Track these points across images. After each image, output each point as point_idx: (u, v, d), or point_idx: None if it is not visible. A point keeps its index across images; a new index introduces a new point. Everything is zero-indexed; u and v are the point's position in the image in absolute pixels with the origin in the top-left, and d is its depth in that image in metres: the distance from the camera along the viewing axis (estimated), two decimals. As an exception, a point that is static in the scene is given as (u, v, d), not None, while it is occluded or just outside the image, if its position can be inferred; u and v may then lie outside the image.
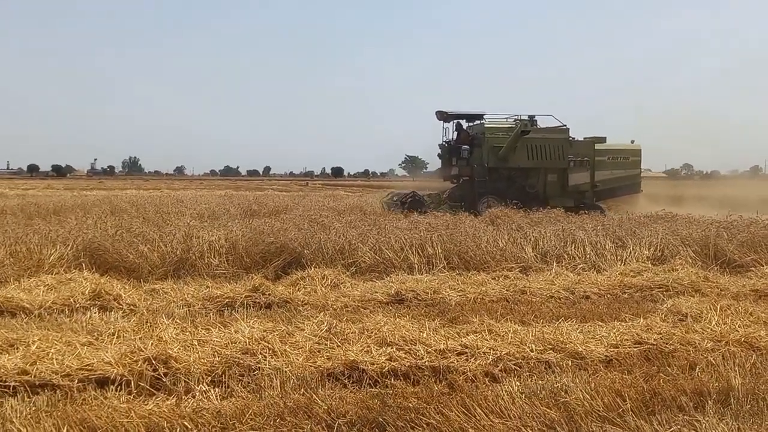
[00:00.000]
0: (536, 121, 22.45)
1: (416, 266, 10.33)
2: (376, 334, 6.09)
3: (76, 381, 4.98)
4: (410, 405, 4.57)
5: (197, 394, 4.86)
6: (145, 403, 4.65)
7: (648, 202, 23.50)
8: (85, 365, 5.19)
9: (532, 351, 5.83)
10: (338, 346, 5.88)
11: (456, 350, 5.77)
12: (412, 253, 10.71)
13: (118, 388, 4.92)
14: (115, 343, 5.79)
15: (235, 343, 5.81)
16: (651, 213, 17.16)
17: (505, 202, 20.38)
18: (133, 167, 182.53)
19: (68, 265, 9.75)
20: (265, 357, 5.55)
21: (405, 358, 5.58)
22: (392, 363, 5.47)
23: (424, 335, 6.09)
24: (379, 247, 10.83)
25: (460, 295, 8.63)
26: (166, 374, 5.14)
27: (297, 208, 20.58)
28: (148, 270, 9.82)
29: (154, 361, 5.24)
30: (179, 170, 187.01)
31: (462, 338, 6.09)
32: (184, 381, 5.05)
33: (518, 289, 9.01)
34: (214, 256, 10.30)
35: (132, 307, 7.77)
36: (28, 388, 4.87)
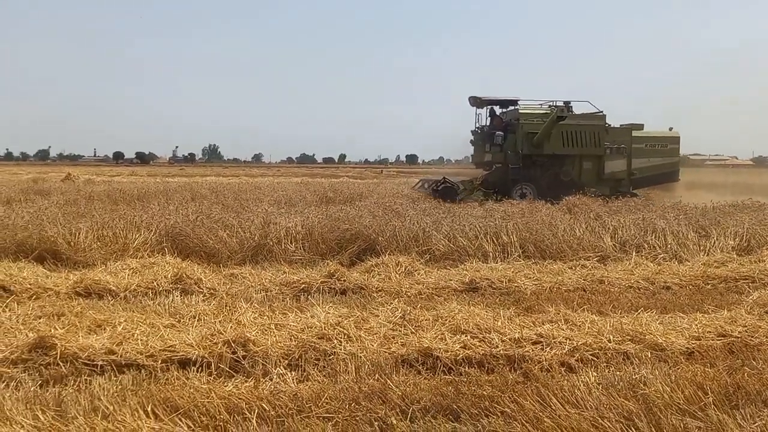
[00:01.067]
0: (572, 107, 21.97)
1: (491, 254, 10.26)
2: (450, 321, 6.10)
3: (160, 361, 5.16)
4: (484, 393, 4.56)
5: (274, 377, 4.96)
6: (225, 384, 4.78)
7: (686, 190, 22.87)
8: (168, 346, 5.37)
9: (609, 341, 5.73)
10: (412, 332, 5.91)
11: (531, 339, 5.72)
12: (487, 241, 10.65)
13: (199, 370, 5.08)
14: (196, 326, 5.97)
15: (311, 327, 5.90)
16: (737, 202, 16.54)
17: (539, 189, 20.17)
18: (212, 154, 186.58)
19: (151, 249, 10.10)
20: (341, 342, 5.62)
21: (479, 346, 5.56)
22: (466, 351, 5.47)
23: (499, 324, 6.06)
24: (453, 234, 10.80)
25: (535, 284, 8.53)
26: (244, 357, 5.27)
27: (371, 195, 20.71)
28: (227, 255, 10.06)
29: (233, 344, 5.39)
30: (257, 158, 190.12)
31: (537, 327, 6.03)
32: (262, 364, 5.16)
33: (596, 279, 8.85)
34: (290, 242, 10.47)
35: (212, 291, 7.98)
36: (114, 368, 5.07)
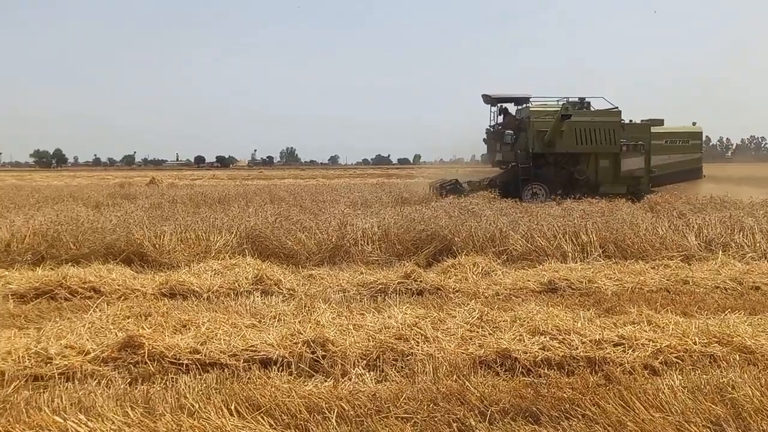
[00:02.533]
0: (589, 103, 21.22)
1: (570, 254, 10.10)
2: (528, 322, 6.03)
3: (242, 361, 5.29)
4: (564, 395, 4.50)
5: (353, 377, 5.01)
6: (305, 383, 4.86)
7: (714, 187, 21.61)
8: (250, 346, 5.49)
9: (695, 344, 5.55)
10: (490, 333, 5.87)
11: (612, 341, 5.59)
12: (566, 241, 10.48)
13: (280, 369, 5.17)
14: (276, 326, 6.09)
15: (389, 328, 5.94)
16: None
17: (551, 189, 19.51)
18: (290, 157, 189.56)
19: (232, 251, 10.35)
20: (418, 343, 5.63)
21: (558, 347, 5.48)
22: (545, 352, 5.39)
23: (579, 325, 5.96)
24: (531, 234, 10.67)
25: (616, 285, 8.35)
26: (323, 357, 5.34)
27: (447, 195, 20.62)
28: (305, 256, 10.22)
29: (312, 344, 5.47)
30: (333, 159, 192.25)
31: (619, 329, 5.90)
32: (341, 364, 5.22)
33: (680, 279, 8.59)
34: (367, 243, 10.54)
35: (291, 291, 8.12)
36: (199, 366, 5.22)
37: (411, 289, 8.21)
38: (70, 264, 9.26)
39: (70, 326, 6.09)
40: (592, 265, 9.48)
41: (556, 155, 20.72)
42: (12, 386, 4.78)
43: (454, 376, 4.94)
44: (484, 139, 22.84)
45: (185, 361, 5.27)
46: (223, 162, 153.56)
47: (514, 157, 21.16)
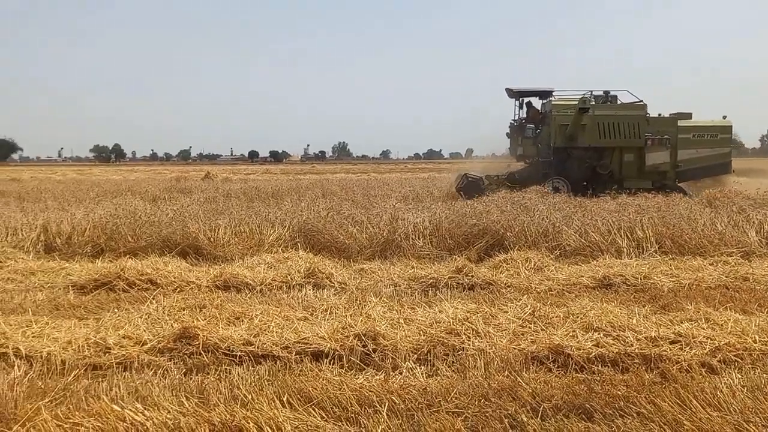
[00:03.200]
0: (616, 96, 20.74)
1: (624, 250, 9.92)
2: (581, 318, 5.95)
3: (294, 353, 5.34)
4: (619, 393, 4.42)
5: (404, 370, 5.02)
6: (356, 377, 4.88)
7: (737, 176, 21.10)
8: (302, 339, 5.54)
9: (755, 342, 5.40)
10: (542, 329, 5.82)
11: (669, 338, 5.48)
12: (620, 236, 10.30)
13: (331, 362, 5.21)
14: (327, 319, 6.14)
15: (440, 322, 5.93)
16: None
17: (573, 184, 19.15)
18: (342, 152, 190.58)
19: (285, 244, 10.46)
20: (469, 337, 5.61)
21: (613, 344, 5.39)
22: (599, 349, 5.31)
23: (634, 321, 5.86)
24: (585, 229, 10.52)
25: (673, 281, 8.17)
26: (374, 350, 5.36)
27: (498, 189, 20.46)
28: (356, 250, 10.26)
29: (363, 338, 5.49)
30: (385, 154, 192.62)
31: (675, 326, 5.78)
32: (392, 357, 5.23)
33: (739, 276, 8.36)
34: (418, 238, 10.53)
35: (342, 285, 8.16)
36: (252, 358, 5.29)
37: (462, 283, 8.17)
38: (127, 256, 9.48)
39: (127, 317, 6.24)
40: (647, 260, 9.29)
41: (578, 149, 20.37)
42: (72, 375, 4.91)
43: (506, 372, 4.91)
44: (507, 134, 22.57)
45: (238, 353, 5.34)
46: (276, 157, 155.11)
47: (536, 151, 21.03)
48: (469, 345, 5.46)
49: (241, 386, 4.58)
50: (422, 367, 5.11)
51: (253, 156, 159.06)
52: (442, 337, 5.59)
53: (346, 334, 5.57)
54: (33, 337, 5.67)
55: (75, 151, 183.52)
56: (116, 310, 6.66)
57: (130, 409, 4.11)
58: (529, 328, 5.89)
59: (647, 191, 17.87)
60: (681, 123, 20.58)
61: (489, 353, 5.27)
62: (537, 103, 22.04)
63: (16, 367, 5.02)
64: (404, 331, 5.76)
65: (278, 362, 5.20)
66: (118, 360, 5.24)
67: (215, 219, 11.25)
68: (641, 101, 20.59)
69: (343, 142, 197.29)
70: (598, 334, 5.58)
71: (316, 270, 8.44)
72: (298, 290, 7.80)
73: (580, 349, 5.29)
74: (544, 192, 17.47)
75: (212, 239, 10.31)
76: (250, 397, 4.36)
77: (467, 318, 6.02)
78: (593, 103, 20.46)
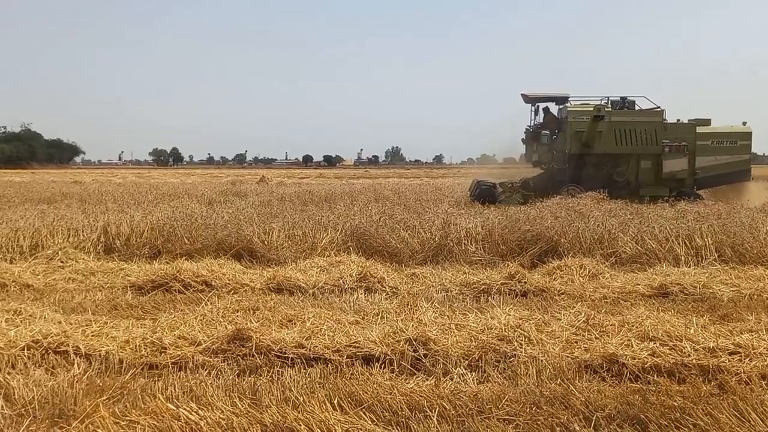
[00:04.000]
0: (633, 102, 20.34)
1: (682, 258, 9.70)
2: (637, 327, 5.85)
3: (345, 356, 5.37)
4: (675, 404, 4.33)
5: (455, 376, 5.00)
6: (407, 381, 4.88)
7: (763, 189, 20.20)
8: (353, 342, 5.57)
9: (819, 355, 5.22)
10: (596, 338, 5.73)
11: (728, 349, 5.34)
12: (678, 244, 10.08)
13: (382, 366, 5.22)
14: (378, 323, 6.15)
15: (491, 329, 5.89)
16: None
17: (588, 191, 18.68)
18: (395, 157, 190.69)
19: (337, 248, 10.53)
20: (521, 344, 5.56)
21: (669, 354, 5.28)
22: (655, 359, 5.21)
23: (691, 331, 5.72)
24: (641, 236, 10.34)
25: (733, 291, 7.96)
26: (425, 355, 5.35)
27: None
28: (408, 255, 10.26)
29: (414, 342, 5.49)
30: (438, 159, 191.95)
31: (735, 337, 5.63)
32: (443, 363, 5.22)
33: (803, 286, 8.09)
34: (470, 243, 10.49)
35: (394, 289, 8.17)
36: (303, 361, 5.33)
37: (515, 290, 8.10)
38: (184, 258, 9.66)
39: (183, 318, 6.36)
40: (706, 269, 9.06)
41: (594, 156, 20.20)
42: (129, 373, 5.03)
43: (558, 380, 4.85)
44: (522, 140, 22.41)
45: (291, 355, 5.39)
46: (330, 161, 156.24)
47: (551, 157, 20.86)
48: (521, 352, 5.41)
49: (292, 388, 4.63)
50: (473, 374, 5.08)
51: (307, 160, 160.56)
52: (494, 344, 5.55)
53: (397, 339, 5.58)
54: (92, 336, 5.82)
55: (135, 155, 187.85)
56: (172, 311, 6.80)
57: (185, 408, 4.19)
58: (583, 336, 5.81)
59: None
60: (699, 129, 20.30)
61: (541, 361, 5.21)
62: (554, 109, 21.84)
63: (75, 365, 5.16)
64: (455, 336, 5.73)
65: (330, 365, 5.23)
66: (173, 360, 5.34)
67: (269, 222, 11.39)
68: (659, 107, 20.36)
69: (397, 147, 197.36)
70: (654, 343, 5.47)
71: (368, 274, 8.48)
72: (350, 294, 7.84)
73: (635, 359, 5.20)
74: (600, 198, 17.21)
75: (266, 242, 10.44)
76: (301, 399, 4.40)
77: (519, 325, 5.97)
78: (609, 109, 20.27)
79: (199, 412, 4.18)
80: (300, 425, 4.00)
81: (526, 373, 5.00)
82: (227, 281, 8.37)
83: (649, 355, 5.26)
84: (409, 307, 6.81)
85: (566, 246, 10.28)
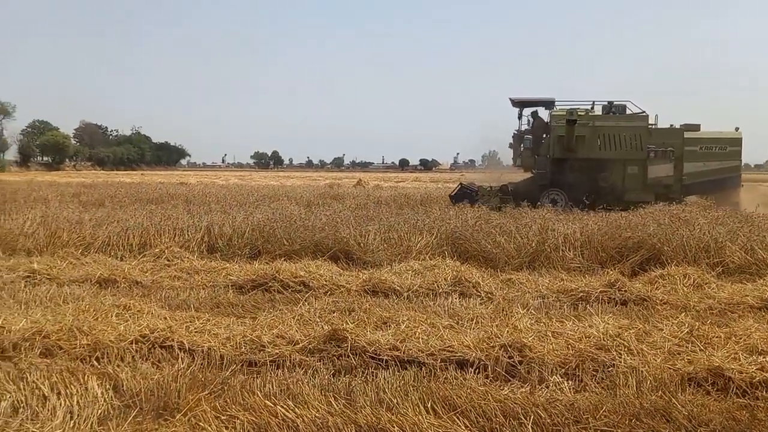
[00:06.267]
0: (625, 107, 19.80)
1: (796, 268, 9.20)
2: (745, 340, 5.60)
3: (439, 360, 5.37)
4: (786, 422, 4.12)
5: (550, 384, 4.92)
6: (501, 388, 4.84)
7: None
8: (447, 346, 5.56)
9: None
10: (700, 350, 5.51)
11: None
12: (793, 253, 9.57)
13: (476, 371, 5.19)
14: (473, 328, 6.13)
15: (589, 337, 5.76)
16: None
17: (571, 196, 18.47)
18: (492, 160, 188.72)
19: (432, 252, 10.53)
20: (620, 354, 5.41)
21: (780, 369, 5.02)
22: (764, 373, 4.96)
23: (805, 346, 5.42)
24: (751, 246, 9.89)
25: None
26: (520, 362, 5.29)
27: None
28: (504, 260, 10.17)
29: (509, 349, 5.44)
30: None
31: None
32: (538, 370, 5.14)
33: None
34: (568, 249, 10.30)
35: (489, 295, 8.11)
36: (398, 363, 5.37)
37: (614, 298, 7.90)
38: (282, 259, 9.88)
39: (281, 317, 6.52)
40: (823, 281, 8.56)
41: (578, 161, 19.77)
42: (230, 370, 5.20)
43: (659, 392, 4.69)
44: (510, 144, 22.01)
45: (385, 357, 5.44)
46: (426, 165, 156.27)
47: (533, 162, 20.61)
48: (621, 362, 5.27)
49: (386, 390, 4.66)
50: (570, 382, 4.98)
51: (403, 164, 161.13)
52: (592, 353, 5.43)
53: (491, 344, 5.54)
54: (195, 332, 6.04)
55: (237, 158, 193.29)
56: (271, 310, 6.98)
57: (282, 406, 4.30)
58: (686, 347, 5.60)
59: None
60: (687, 135, 19.71)
61: (641, 371, 5.05)
62: (544, 113, 21.48)
63: (180, 360, 5.37)
64: (551, 344, 5.64)
65: (423, 368, 5.25)
66: (271, 358, 5.48)
67: (365, 225, 11.51)
68: (643, 112, 19.97)
69: (494, 151, 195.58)
70: (764, 357, 5.22)
71: (463, 278, 8.45)
72: (444, 298, 7.84)
73: (742, 373, 4.97)
74: (707, 205, 16.57)
75: (362, 245, 10.56)
76: (395, 401, 4.43)
77: (619, 334, 5.81)
78: (594, 114, 19.96)
79: (296, 410, 4.27)
80: (393, 427, 4.03)
81: (626, 383, 4.87)
82: (324, 282, 8.51)
83: (757, 369, 5.03)
84: (504, 312, 6.75)
85: (669, 254, 9.94)
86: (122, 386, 4.68)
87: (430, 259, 9.89)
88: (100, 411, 4.27)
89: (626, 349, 5.51)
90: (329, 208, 16.01)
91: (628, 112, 20.21)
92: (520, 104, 21.40)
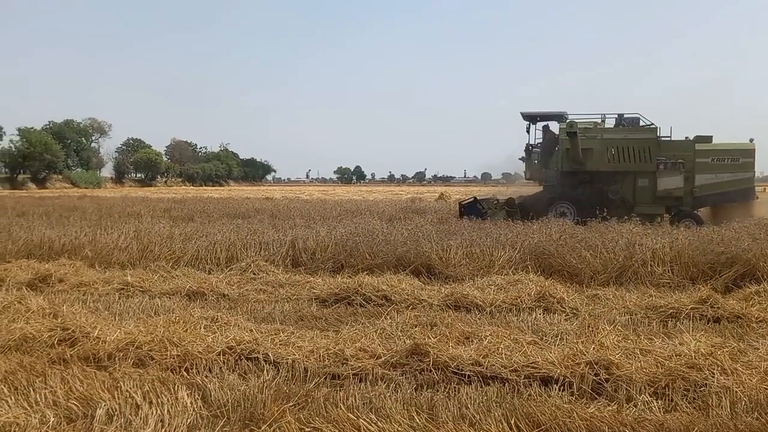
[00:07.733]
0: (638, 119, 19.32)
1: None
2: None
3: (522, 377, 5.29)
4: None
5: (639, 403, 4.77)
6: (587, 406, 4.72)
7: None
8: (530, 363, 5.48)
9: None
10: (801, 370, 5.24)
11: None
12: None
13: (561, 388, 5.09)
14: (557, 345, 6.02)
15: (680, 355, 5.57)
16: None
17: (580, 209, 18.00)
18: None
19: (515, 266, 10.40)
20: (713, 374, 5.21)
21: None
22: None
23: None
24: None
25: None
26: (607, 380, 5.16)
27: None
28: (589, 275, 9.96)
29: (595, 366, 5.31)
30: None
31: None
32: (625, 388, 5.00)
33: None
34: (657, 265, 10.00)
35: (574, 310, 7.95)
36: (480, 379, 5.32)
37: (706, 315, 7.61)
38: (364, 273, 9.97)
39: (363, 331, 6.56)
40: None
41: (587, 174, 19.71)
42: (313, 382, 5.26)
43: (755, 413, 4.49)
44: (521, 158, 21.70)
45: (467, 372, 5.40)
46: (509, 178, 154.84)
47: (542, 175, 20.41)
48: (713, 381, 5.07)
49: (469, 405, 4.63)
50: (659, 401, 4.82)
51: (485, 177, 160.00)
52: (683, 371, 5.24)
53: (577, 361, 5.42)
54: (280, 344, 6.14)
55: (320, 173, 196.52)
56: (353, 324, 7.03)
57: (365, 419, 4.32)
58: (785, 368, 5.34)
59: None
60: (699, 146, 19.13)
61: (736, 392, 4.85)
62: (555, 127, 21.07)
63: (265, 372, 5.46)
64: (640, 361, 5.48)
65: (506, 385, 5.18)
66: (354, 371, 5.52)
67: (447, 239, 11.48)
68: (652, 124, 19.52)
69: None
70: None
71: (547, 294, 8.31)
72: (528, 313, 7.72)
73: None
74: None
75: (444, 259, 10.54)
76: (478, 417, 4.39)
77: (711, 353, 5.59)
78: (605, 126, 19.78)
79: (378, 423, 4.29)
80: (476, 443, 3.99)
81: (719, 404, 4.68)
82: (406, 296, 8.52)
83: None
84: (590, 329, 6.60)
85: (765, 270, 9.51)
86: (210, 396, 4.80)
87: (513, 274, 9.78)
88: (189, 420, 4.39)
89: (719, 369, 5.29)
90: (411, 223, 16.08)
91: (642, 124, 19.93)
92: (531, 118, 21.33)
